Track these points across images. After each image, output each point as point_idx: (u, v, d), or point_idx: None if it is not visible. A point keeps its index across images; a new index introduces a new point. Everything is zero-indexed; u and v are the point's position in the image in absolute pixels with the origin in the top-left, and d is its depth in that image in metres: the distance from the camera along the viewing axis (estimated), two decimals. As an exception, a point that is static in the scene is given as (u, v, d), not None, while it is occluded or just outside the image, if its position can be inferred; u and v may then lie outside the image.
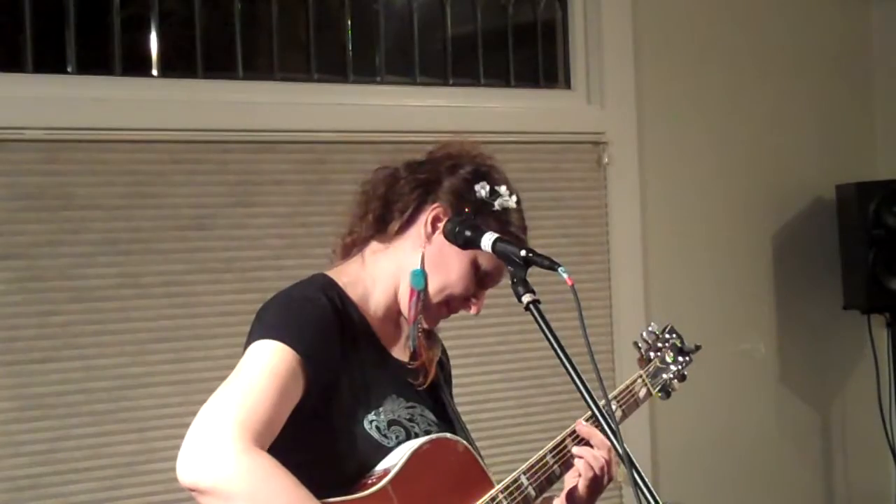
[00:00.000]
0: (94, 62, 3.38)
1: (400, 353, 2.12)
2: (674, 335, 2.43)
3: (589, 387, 1.86)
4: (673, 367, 2.39)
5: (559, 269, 1.86)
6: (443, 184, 2.06)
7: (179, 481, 1.83)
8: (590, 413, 2.07)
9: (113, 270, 3.28)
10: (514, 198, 2.08)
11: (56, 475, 3.16)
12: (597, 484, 2.11)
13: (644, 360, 2.38)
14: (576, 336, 1.86)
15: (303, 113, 3.55)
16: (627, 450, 1.78)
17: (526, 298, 1.90)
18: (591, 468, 2.09)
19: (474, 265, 2.05)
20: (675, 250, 4.22)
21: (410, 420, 2.03)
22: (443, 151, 2.12)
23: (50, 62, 3.31)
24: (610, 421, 1.83)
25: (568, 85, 4.18)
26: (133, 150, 3.33)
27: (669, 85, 4.27)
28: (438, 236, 2.04)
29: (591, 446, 2.12)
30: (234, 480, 1.79)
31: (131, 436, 3.26)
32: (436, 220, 2.05)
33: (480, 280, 2.07)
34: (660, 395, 2.37)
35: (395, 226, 2.06)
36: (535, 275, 1.92)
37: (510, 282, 1.93)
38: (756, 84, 4.49)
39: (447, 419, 2.14)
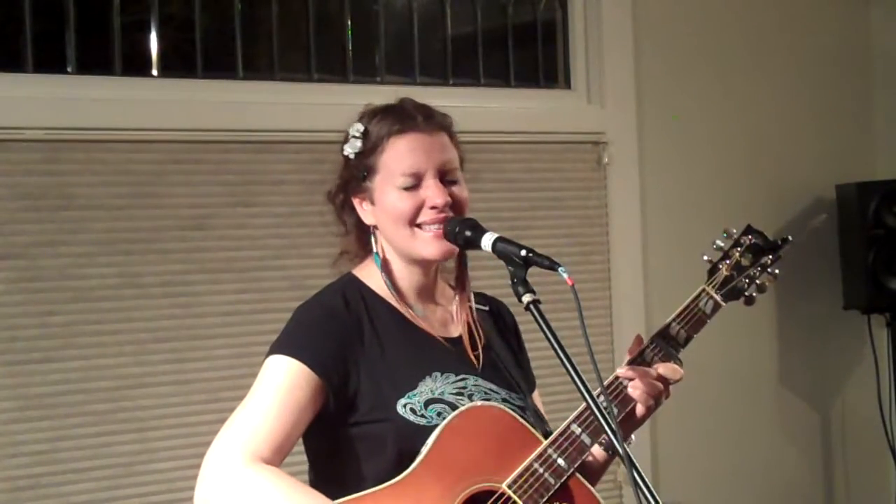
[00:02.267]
0: (94, 62, 3.38)
1: (445, 329, 2.13)
2: (750, 235, 2.29)
3: (589, 387, 1.86)
4: (751, 271, 2.27)
5: (559, 269, 1.86)
6: (343, 180, 2.15)
7: None
8: (634, 355, 2.10)
9: (113, 270, 3.28)
10: (357, 126, 2.12)
11: (56, 475, 3.16)
12: (656, 406, 2.12)
13: (711, 272, 2.27)
14: (576, 336, 1.86)
15: (303, 113, 3.55)
16: (628, 450, 1.78)
17: (526, 298, 1.90)
18: (650, 397, 2.08)
19: (392, 186, 2.06)
20: (675, 250, 4.22)
21: (459, 394, 2.03)
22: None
23: (50, 62, 3.31)
24: (610, 421, 1.83)
25: (568, 85, 4.18)
26: (133, 150, 3.33)
27: (669, 85, 4.27)
28: (367, 209, 2.11)
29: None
30: (239, 497, 1.86)
31: (131, 436, 3.26)
32: (360, 205, 2.12)
33: (413, 184, 2.06)
34: (736, 301, 2.25)
35: (358, 237, 2.15)
36: (535, 275, 1.92)
37: (510, 282, 1.93)
38: (756, 84, 4.49)
39: (507, 384, 2.13)
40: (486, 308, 2.22)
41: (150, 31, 3.45)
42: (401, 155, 2.07)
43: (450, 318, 2.15)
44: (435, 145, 2.09)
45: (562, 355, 1.85)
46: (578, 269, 3.90)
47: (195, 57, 3.52)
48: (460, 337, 2.13)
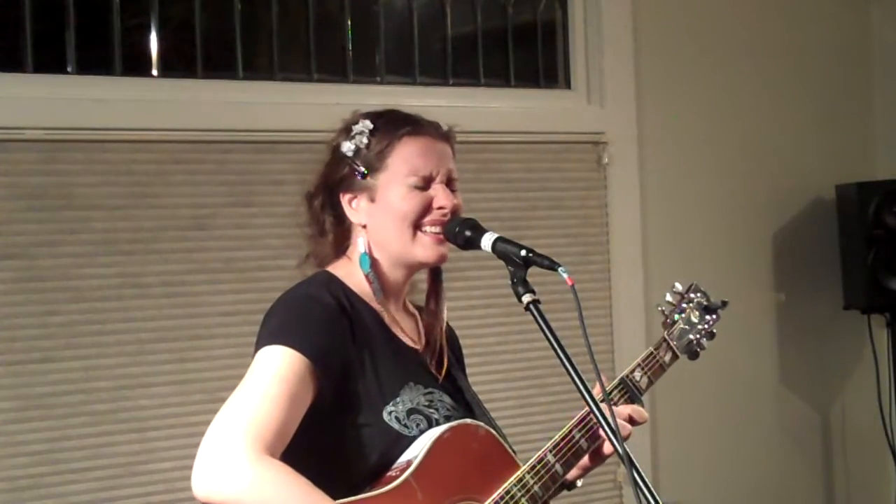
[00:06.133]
0: (94, 62, 3.38)
1: (410, 339, 2.12)
2: (698, 294, 2.38)
3: (589, 387, 1.86)
4: (699, 327, 2.35)
5: (559, 269, 1.86)
6: (331, 179, 2.13)
7: (194, 495, 1.84)
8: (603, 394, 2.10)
9: (113, 270, 3.28)
10: (366, 122, 2.10)
11: (56, 475, 3.16)
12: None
13: (668, 323, 2.34)
14: (576, 336, 1.86)
15: (303, 113, 3.55)
16: (627, 450, 1.78)
17: (526, 298, 1.90)
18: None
19: (401, 184, 2.05)
20: (675, 250, 4.22)
21: (430, 406, 2.02)
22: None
23: (50, 62, 3.31)
24: (610, 421, 1.83)
25: (568, 85, 4.18)
26: (133, 150, 3.33)
27: (669, 85, 4.27)
28: (361, 207, 2.08)
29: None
30: (247, 491, 1.80)
31: (131, 436, 3.26)
32: (350, 203, 2.10)
33: (423, 185, 2.06)
34: (686, 356, 2.33)
35: (335, 239, 2.14)
36: (535, 275, 1.92)
37: (510, 282, 1.93)
38: (756, 84, 4.50)
39: (465, 403, 2.14)
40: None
41: (150, 31, 3.45)
42: (414, 155, 2.07)
43: (414, 330, 2.15)
44: (445, 153, 2.11)
45: (562, 355, 1.85)
46: (578, 269, 3.90)
47: (195, 57, 3.52)
48: (423, 350, 2.13)
